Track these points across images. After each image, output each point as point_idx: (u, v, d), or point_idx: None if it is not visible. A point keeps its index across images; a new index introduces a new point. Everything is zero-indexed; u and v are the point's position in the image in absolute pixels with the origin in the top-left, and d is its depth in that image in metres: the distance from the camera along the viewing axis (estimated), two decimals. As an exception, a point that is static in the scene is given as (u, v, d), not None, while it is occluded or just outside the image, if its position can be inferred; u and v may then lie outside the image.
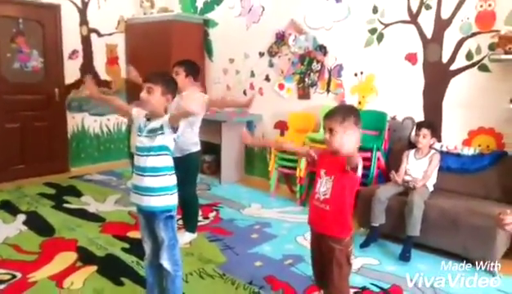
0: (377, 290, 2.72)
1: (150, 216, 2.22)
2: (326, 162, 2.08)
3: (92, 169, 5.58)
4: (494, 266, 2.97)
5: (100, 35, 5.65)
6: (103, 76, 5.77)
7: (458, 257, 3.13)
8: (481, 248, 2.99)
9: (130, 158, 4.12)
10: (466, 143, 3.68)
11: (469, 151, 3.56)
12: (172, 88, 2.21)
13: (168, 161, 2.18)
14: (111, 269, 2.92)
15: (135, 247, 3.23)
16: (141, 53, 5.64)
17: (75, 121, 5.55)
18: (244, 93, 5.35)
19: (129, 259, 3.06)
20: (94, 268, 2.91)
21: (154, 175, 2.14)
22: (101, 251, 3.19)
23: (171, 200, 2.19)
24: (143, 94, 2.13)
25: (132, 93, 5.94)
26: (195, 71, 3.27)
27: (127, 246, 3.29)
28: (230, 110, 5.24)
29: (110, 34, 5.76)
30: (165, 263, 2.24)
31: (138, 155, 2.18)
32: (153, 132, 2.13)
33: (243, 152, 5.37)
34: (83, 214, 3.97)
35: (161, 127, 2.12)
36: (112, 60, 5.85)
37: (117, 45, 5.87)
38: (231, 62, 5.46)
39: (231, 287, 2.71)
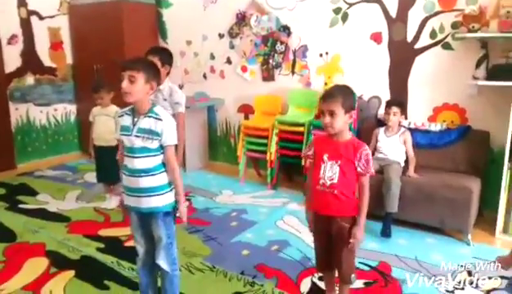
0: (367, 269, 2.77)
1: (146, 216, 2.06)
2: (328, 147, 2.04)
3: (41, 164, 5.17)
4: (468, 235, 3.15)
5: (41, 18, 5.17)
6: (47, 62, 5.31)
7: (435, 230, 3.27)
8: (456, 220, 3.14)
9: (94, 151, 3.84)
10: (431, 119, 3.82)
11: (436, 127, 3.70)
12: (155, 74, 2.00)
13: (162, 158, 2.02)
14: (90, 272, 2.72)
15: (111, 246, 3.06)
16: (89, 37, 5.27)
17: (19, 112, 5.09)
18: (204, 77, 5.17)
19: (108, 259, 2.87)
20: (71, 273, 2.69)
21: (151, 174, 1.97)
22: (75, 253, 2.95)
23: (172, 197, 2.05)
24: (124, 84, 1.90)
25: (81, 80, 5.56)
26: (171, 59, 3.04)
27: (102, 245, 3.08)
28: (190, 95, 5.05)
29: (52, 17, 5.30)
30: (162, 263, 2.11)
31: (128, 156, 1.99)
32: (146, 134, 1.94)
33: (206, 137, 5.22)
34: (43, 214, 3.66)
35: (156, 133, 1.93)
36: (56, 45, 5.39)
37: (60, 28, 5.41)
38: (189, 44, 5.23)
39: (224, 280, 2.62)
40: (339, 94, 1.99)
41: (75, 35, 5.49)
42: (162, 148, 1.98)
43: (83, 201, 3.98)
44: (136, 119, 1.97)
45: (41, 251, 2.99)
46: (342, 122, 1.96)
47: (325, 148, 2.04)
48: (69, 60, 5.56)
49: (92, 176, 4.59)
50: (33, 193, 4.20)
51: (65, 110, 5.58)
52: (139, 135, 1.95)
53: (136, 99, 1.94)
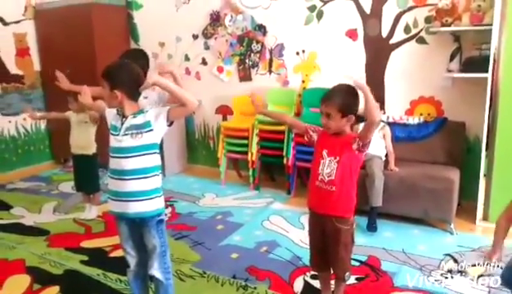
0: (357, 264, 2.78)
1: (136, 224, 1.99)
2: (328, 142, 2.04)
3: (12, 176, 4.95)
4: (451, 225, 3.22)
5: (5, 23, 4.94)
6: (13, 70, 5.09)
7: (419, 221, 3.33)
8: (440, 210, 3.21)
9: (71, 159, 3.74)
10: (409, 113, 3.88)
11: (414, 120, 3.77)
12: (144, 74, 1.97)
13: (156, 160, 1.95)
14: (76, 286, 2.62)
15: (95, 258, 2.96)
16: (58, 42, 5.07)
17: (-14, 123, 4.86)
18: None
19: (93, 272, 2.77)
20: (56, 288, 2.58)
21: (142, 177, 1.90)
22: (58, 268, 2.84)
23: (162, 202, 1.99)
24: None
25: (50, 88, 5.35)
26: (147, 60, 2.95)
27: (85, 258, 2.97)
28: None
29: (18, 22, 5.07)
30: (156, 273, 2.04)
31: (115, 157, 1.93)
32: (135, 130, 1.89)
33: (184, 140, 5.15)
34: (19, 229, 3.50)
35: (146, 124, 1.88)
36: (22, 52, 5.17)
37: (26, 34, 5.18)
38: (162, 46, 5.13)
39: (217, 285, 2.58)
40: (338, 97, 1.98)
41: (43, 41, 5.29)
42: (152, 147, 1.91)
43: (60, 212, 3.84)
44: (124, 119, 1.92)
45: (21, 267, 2.85)
46: (338, 125, 1.97)
47: (326, 143, 2.04)
48: (37, 66, 5.35)
49: (67, 186, 4.47)
50: (6, 206, 4.01)
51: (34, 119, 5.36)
52: (127, 132, 1.89)
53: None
